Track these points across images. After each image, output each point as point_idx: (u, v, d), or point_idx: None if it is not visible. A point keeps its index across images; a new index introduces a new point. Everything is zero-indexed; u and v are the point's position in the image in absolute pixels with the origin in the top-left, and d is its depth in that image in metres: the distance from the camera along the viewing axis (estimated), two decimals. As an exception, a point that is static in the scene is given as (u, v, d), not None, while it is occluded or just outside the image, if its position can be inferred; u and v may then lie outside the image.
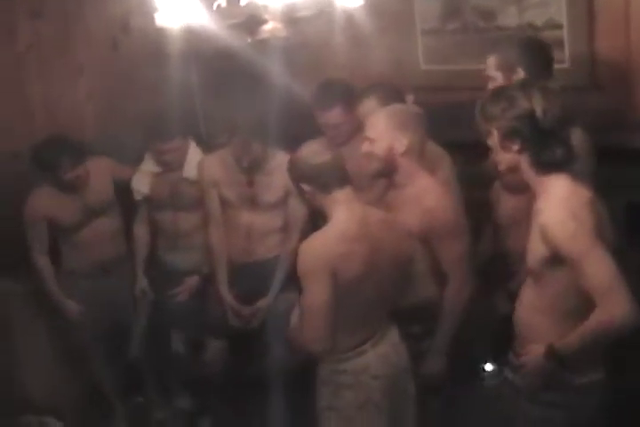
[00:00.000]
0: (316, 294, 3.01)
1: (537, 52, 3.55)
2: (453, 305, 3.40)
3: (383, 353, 3.22)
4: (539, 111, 2.66)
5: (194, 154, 4.40)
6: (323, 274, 2.99)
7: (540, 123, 2.67)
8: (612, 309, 2.54)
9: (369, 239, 3.10)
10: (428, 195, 3.36)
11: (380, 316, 3.26)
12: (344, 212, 3.12)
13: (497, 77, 3.52)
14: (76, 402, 4.35)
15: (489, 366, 3.72)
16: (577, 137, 3.05)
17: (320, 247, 3.06)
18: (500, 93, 2.79)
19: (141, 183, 4.43)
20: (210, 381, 4.40)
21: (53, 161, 4.13)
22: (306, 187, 3.18)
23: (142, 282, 4.48)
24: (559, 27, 4.01)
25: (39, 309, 4.36)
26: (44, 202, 4.28)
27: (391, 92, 3.82)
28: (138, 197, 4.45)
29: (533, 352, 2.77)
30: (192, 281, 4.43)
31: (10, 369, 4.21)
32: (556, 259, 2.65)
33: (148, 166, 4.43)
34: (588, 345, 2.66)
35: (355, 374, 3.18)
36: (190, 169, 4.35)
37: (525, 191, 2.91)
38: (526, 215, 2.84)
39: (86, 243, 4.37)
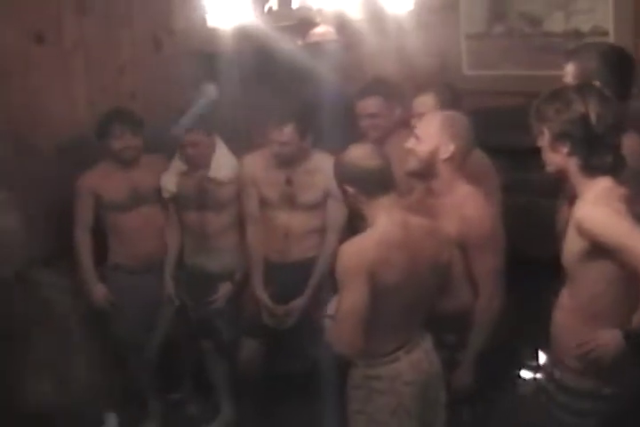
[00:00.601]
0: (352, 298, 2.98)
1: (617, 64, 3.32)
2: (483, 317, 3.37)
3: (416, 360, 3.20)
4: (593, 116, 2.66)
5: (221, 154, 4.37)
6: (360, 278, 2.96)
7: (592, 128, 2.67)
8: None
9: (409, 246, 3.08)
10: (467, 204, 3.33)
11: (414, 323, 3.24)
12: (386, 217, 3.09)
13: None
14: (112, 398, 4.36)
15: (524, 373, 3.72)
16: (629, 145, 3.02)
17: (360, 251, 3.04)
18: (556, 94, 2.78)
19: (169, 182, 4.41)
20: (245, 380, 4.41)
21: (106, 127, 4.27)
22: (350, 189, 3.15)
23: (169, 287, 4.44)
24: (605, 33, 4.00)
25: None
26: (96, 176, 4.33)
27: (450, 94, 3.84)
28: (166, 195, 4.44)
29: (600, 340, 2.73)
30: (226, 289, 4.38)
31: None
32: (592, 252, 2.65)
33: (176, 165, 4.43)
34: None
35: (388, 379, 3.16)
36: (217, 169, 4.33)
37: None
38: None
39: (132, 232, 4.37)
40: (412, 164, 3.42)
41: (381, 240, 3.05)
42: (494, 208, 3.55)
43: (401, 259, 3.04)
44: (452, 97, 3.86)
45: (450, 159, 3.34)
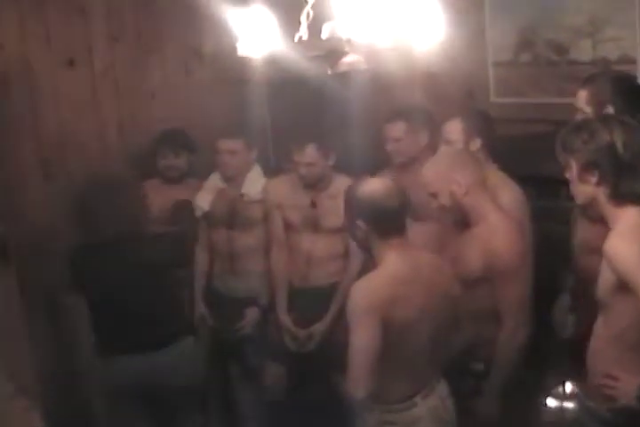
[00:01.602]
0: (365, 338, 2.91)
1: (629, 90, 3.47)
2: (506, 349, 3.36)
3: (433, 407, 3.14)
4: (619, 144, 2.68)
5: (255, 174, 4.45)
6: (372, 318, 2.90)
7: (620, 156, 2.68)
8: None
9: (420, 282, 3.04)
10: (495, 233, 3.33)
11: (430, 367, 3.18)
12: (395, 255, 3.05)
13: (586, 111, 3.43)
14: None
15: (551, 402, 3.70)
16: None
17: (371, 290, 2.99)
18: (581, 125, 2.81)
19: (203, 200, 4.48)
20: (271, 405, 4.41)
21: (155, 145, 4.51)
22: (362, 224, 3.08)
23: (201, 308, 4.47)
24: (633, 61, 3.99)
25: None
26: (148, 190, 4.41)
27: (480, 120, 3.92)
28: (199, 213, 4.49)
29: (622, 389, 2.73)
30: (253, 314, 4.41)
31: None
32: (623, 286, 2.63)
33: (213, 182, 4.50)
34: None
35: (404, 426, 3.11)
36: (250, 186, 4.40)
37: (604, 220, 2.87)
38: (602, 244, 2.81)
39: None
40: (448, 217, 3.48)
41: (392, 278, 3.01)
42: (524, 236, 3.57)
43: (413, 296, 3.00)
44: (482, 123, 3.89)
45: (470, 192, 3.36)
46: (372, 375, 2.89)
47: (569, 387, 3.65)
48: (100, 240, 3.97)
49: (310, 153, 4.09)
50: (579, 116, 3.47)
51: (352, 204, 3.13)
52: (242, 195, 4.40)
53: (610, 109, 3.39)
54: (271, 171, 4.54)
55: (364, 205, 3.07)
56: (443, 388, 3.22)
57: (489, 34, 4.45)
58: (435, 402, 3.14)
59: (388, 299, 2.94)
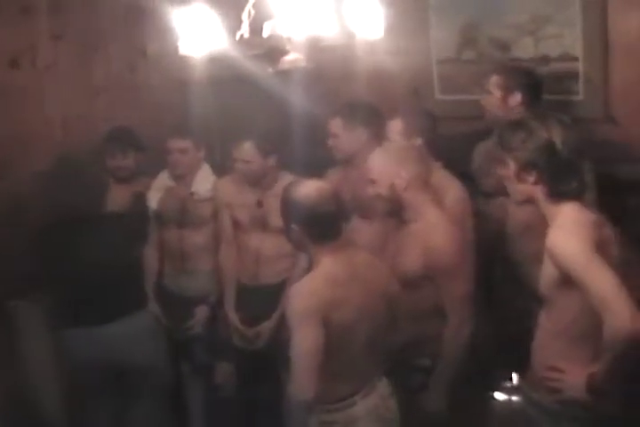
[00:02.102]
0: (306, 340, 2.89)
1: (534, 80, 3.87)
2: (451, 345, 3.37)
3: (373, 406, 3.13)
4: (558, 142, 2.71)
5: (205, 173, 4.46)
6: (312, 320, 2.88)
7: (558, 154, 2.71)
8: (616, 321, 2.52)
9: (357, 283, 3.02)
10: (434, 232, 3.34)
11: (370, 366, 3.16)
12: (330, 257, 3.03)
13: (495, 94, 3.82)
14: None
15: (499, 395, 3.73)
16: (585, 168, 3.10)
17: (309, 293, 2.97)
18: (518, 124, 2.82)
19: (153, 198, 4.47)
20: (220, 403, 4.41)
21: (104, 145, 4.42)
22: (296, 228, 3.05)
23: (154, 306, 4.43)
24: (574, 59, 4.04)
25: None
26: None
27: (423, 119, 3.95)
28: (149, 213, 4.48)
29: (568, 382, 2.75)
30: (202, 313, 4.41)
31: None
32: (565, 280, 2.67)
33: (162, 180, 4.49)
34: (616, 366, 2.63)
35: (343, 425, 3.09)
36: (199, 184, 4.40)
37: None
38: (539, 221, 2.87)
39: None
40: (381, 207, 3.46)
41: (328, 280, 2.98)
42: (465, 234, 3.60)
43: (351, 297, 2.98)
44: (424, 122, 3.92)
45: (410, 186, 3.36)
46: (317, 377, 2.86)
47: (516, 380, 3.69)
48: (63, 219, 4.02)
49: (248, 151, 4.10)
50: (483, 100, 3.87)
51: (287, 207, 3.10)
52: (192, 193, 4.40)
53: (518, 96, 3.74)
54: (219, 169, 4.53)
55: (297, 208, 3.04)
56: (384, 387, 3.20)
57: (433, 32, 4.49)
58: (375, 401, 3.13)
59: (326, 301, 2.92)
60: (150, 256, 4.48)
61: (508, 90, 3.80)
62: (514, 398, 3.64)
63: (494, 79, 3.85)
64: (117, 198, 4.34)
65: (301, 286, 3.01)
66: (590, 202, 2.99)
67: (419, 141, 3.84)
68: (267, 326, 4.19)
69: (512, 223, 3.74)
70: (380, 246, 3.51)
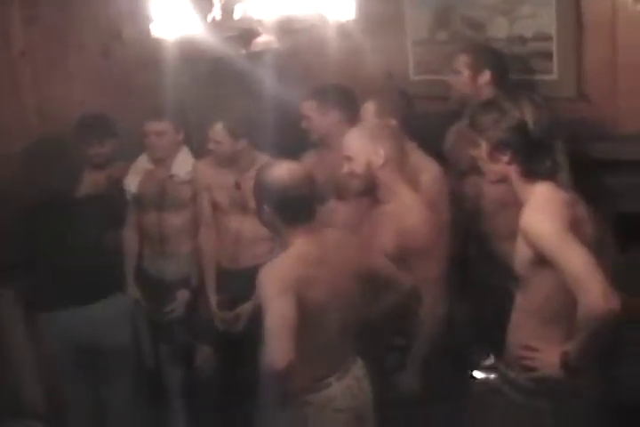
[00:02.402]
0: (280, 313, 2.83)
1: (501, 58, 3.93)
2: (426, 324, 3.40)
3: (347, 387, 3.13)
4: (530, 122, 2.70)
5: (184, 155, 4.47)
6: (284, 294, 2.85)
7: (530, 134, 2.71)
8: (590, 300, 2.53)
9: (330, 263, 3.02)
10: (407, 213, 3.35)
11: (344, 348, 3.17)
12: (302, 238, 3.03)
13: (464, 73, 3.87)
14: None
15: (478, 374, 3.76)
16: (558, 147, 3.11)
17: (280, 271, 2.96)
18: (490, 104, 2.81)
19: (131, 182, 4.48)
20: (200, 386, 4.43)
21: (79, 132, 4.40)
22: (268, 209, 3.05)
23: (134, 291, 4.44)
24: (548, 38, 4.04)
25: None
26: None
27: (399, 100, 3.95)
28: (128, 196, 4.49)
29: (543, 360, 2.77)
30: (183, 296, 4.42)
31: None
32: (540, 260, 2.68)
33: (141, 163, 4.50)
34: (590, 344, 2.65)
35: (318, 406, 3.08)
36: (179, 167, 4.41)
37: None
38: (513, 200, 2.88)
39: None
40: (356, 184, 3.46)
41: (300, 259, 2.98)
42: (441, 214, 3.62)
43: (323, 277, 2.98)
44: (398, 103, 3.93)
45: (386, 164, 3.38)
46: (292, 345, 2.79)
47: (493, 359, 3.72)
48: (41, 202, 4.04)
49: (218, 132, 4.12)
50: (452, 79, 3.91)
51: (259, 188, 3.10)
52: (171, 176, 4.41)
53: (487, 75, 3.82)
54: (197, 152, 4.53)
55: (269, 190, 3.04)
56: (358, 368, 3.21)
57: (407, 13, 4.48)
58: (349, 382, 3.14)
59: (297, 279, 2.91)
60: (129, 239, 4.50)
61: (476, 69, 3.84)
62: (491, 376, 3.67)
63: (463, 58, 3.89)
64: (92, 183, 4.34)
65: (272, 265, 3.01)
66: (564, 181, 3.00)
67: (393, 122, 3.83)
68: (245, 309, 4.20)
69: (486, 202, 3.77)
70: (356, 227, 3.53)
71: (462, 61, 3.89)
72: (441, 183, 3.79)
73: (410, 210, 3.36)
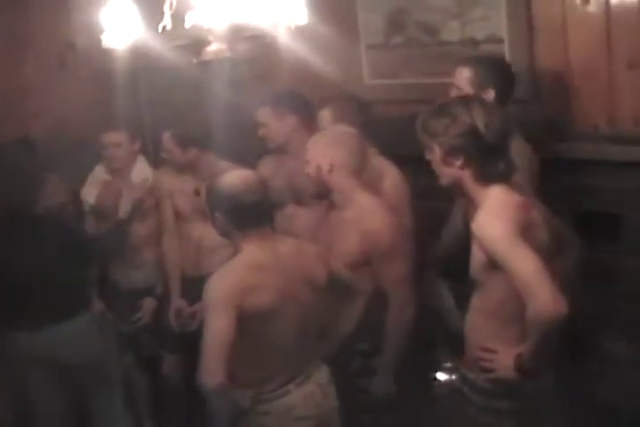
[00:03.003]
0: (217, 325, 2.87)
1: (507, 74, 3.63)
2: (395, 327, 3.42)
3: (309, 393, 3.12)
4: (481, 126, 2.69)
5: (141, 165, 4.50)
6: (225, 306, 2.88)
7: (482, 139, 2.70)
8: (539, 303, 2.56)
9: (280, 269, 3.03)
10: (367, 217, 3.37)
11: (305, 352, 3.15)
12: (254, 245, 3.05)
13: (465, 90, 3.51)
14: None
15: (440, 375, 3.78)
16: (518, 148, 3.12)
17: (225, 280, 2.98)
18: (441, 109, 2.79)
19: (89, 194, 4.47)
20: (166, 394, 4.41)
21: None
22: (220, 216, 3.08)
23: (99, 304, 4.37)
24: (500, 41, 4.07)
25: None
26: None
27: (353, 106, 3.94)
28: (86, 207, 4.47)
29: (499, 362, 2.79)
30: (149, 305, 4.43)
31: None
32: (492, 263, 2.69)
33: (98, 174, 4.50)
34: (541, 346, 2.68)
35: (278, 415, 3.07)
36: (138, 178, 4.42)
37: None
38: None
39: None
40: (309, 186, 3.52)
41: (247, 265, 3.01)
42: (402, 217, 3.63)
43: (272, 282, 2.99)
44: (354, 109, 3.92)
45: (337, 170, 3.40)
46: (223, 364, 2.82)
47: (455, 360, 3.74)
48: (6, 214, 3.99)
49: (167, 142, 4.17)
50: (454, 94, 3.53)
51: (210, 196, 3.12)
52: (130, 185, 4.41)
53: (491, 93, 3.49)
54: (153, 161, 4.54)
55: (220, 198, 3.06)
56: (322, 374, 3.20)
57: (360, 17, 4.50)
58: (311, 388, 3.12)
59: (244, 287, 2.92)
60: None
61: (479, 86, 3.51)
62: (453, 377, 3.69)
63: (464, 73, 3.57)
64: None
65: (218, 274, 3.02)
66: (520, 182, 3.01)
67: (351, 128, 3.83)
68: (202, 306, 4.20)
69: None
70: (315, 233, 3.54)
71: (463, 77, 3.56)
72: (402, 189, 3.81)
73: (370, 214, 3.38)
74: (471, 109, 2.71)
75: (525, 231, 2.66)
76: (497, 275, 2.71)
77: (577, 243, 3.15)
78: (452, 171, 2.79)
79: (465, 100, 2.81)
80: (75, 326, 4.07)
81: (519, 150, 3.14)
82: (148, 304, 4.42)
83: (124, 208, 4.36)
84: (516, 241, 2.61)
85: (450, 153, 2.76)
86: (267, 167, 4.07)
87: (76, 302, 4.13)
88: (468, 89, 3.51)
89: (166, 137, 4.14)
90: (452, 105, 2.79)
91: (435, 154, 2.81)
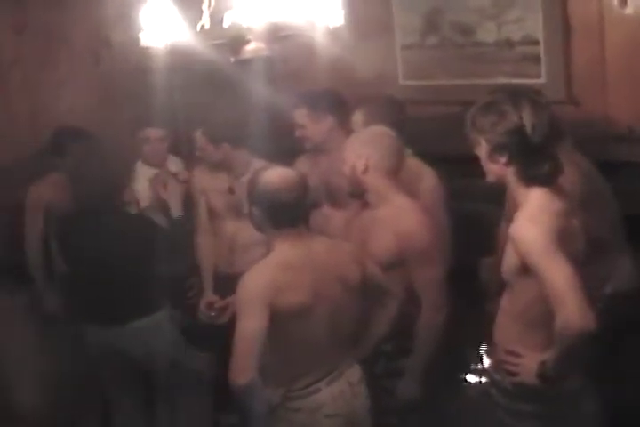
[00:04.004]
0: (247, 324, 2.88)
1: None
2: (426, 331, 3.38)
3: (338, 392, 3.11)
4: (528, 127, 2.65)
5: (173, 162, 4.57)
6: (257, 305, 2.88)
7: (528, 138, 2.66)
8: (567, 316, 2.53)
9: (312, 268, 3.03)
10: (403, 217, 3.35)
11: (337, 351, 3.14)
12: (287, 244, 3.05)
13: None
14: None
15: (470, 377, 3.77)
16: (565, 150, 3.10)
17: (258, 278, 2.98)
18: (490, 106, 2.74)
19: (142, 190, 4.46)
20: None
21: (61, 145, 4.32)
22: (256, 212, 3.09)
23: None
24: (536, 42, 4.07)
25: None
26: (48, 188, 4.39)
27: (389, 107, 3.91)
28: (144, 203, 4.46)
29: (524, 366, 2.77)
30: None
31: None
32: (525, 268, 2.67)
33: (142, 171, 4.53)
34: (566, 356, 2.66)
35: (308, 412, 3.07)
36: (174, 165, 4.52)
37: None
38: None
39: None
40: (346, 187, 3.49)
41: (279, 264, 3.01)
42: (438, 219, 3.60)
43: (304, 281, 2.99)
44: (389, 110, 3.90)
45: (371, 171, 3.38)
46: (254, 362, 2.84)
47: (486, 362, 3.73)
48: (83, 210, 3.96)
49: (199, 139, 4.16)
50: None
51: (251, 190, 3.12)
52: (172, 174, 4.47)
53: None
54: (186, 159, 4.57)
55: (259, 194, 3.07)
56: (354, 373, 3.20)
57: (396, 17, 4.50)
58: (341, 387, 3.12)
59: (276, 286, 2.93)
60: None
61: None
62: (482, 379, 3.68)
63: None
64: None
65: (251, 272, 3.02)
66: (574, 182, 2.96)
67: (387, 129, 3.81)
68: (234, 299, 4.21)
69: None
70: (349, 232, 3.54)
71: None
72: (438, 190, 3.79)
73: (405, 214, 3.36)
74: (520, 108, 2.67)
75: (562, 239, 2.63)
76: (528, 279, 2.69)
77: (624, 248, 3.11)
78: (497, 168, 2.77)
79: (516, 98, 2.74)
80: (156, 321, 4.06)
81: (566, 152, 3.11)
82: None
83: (174, 204, 4.36)
84: (552, 249, 2.59)
85: (495, 150, 2.73)
86: (302, 166, 4.06)
87: (157, 297, 4.10)
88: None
89: (198, 135, 4.14)
90: (501, 101, 2.73)
91: (482, 149, 2.78)
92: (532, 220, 2.67)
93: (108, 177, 3.91)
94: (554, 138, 2.74)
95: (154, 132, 4.44)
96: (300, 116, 4.06)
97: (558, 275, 2.57)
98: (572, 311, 2.53)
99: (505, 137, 2.69)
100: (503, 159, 2.73)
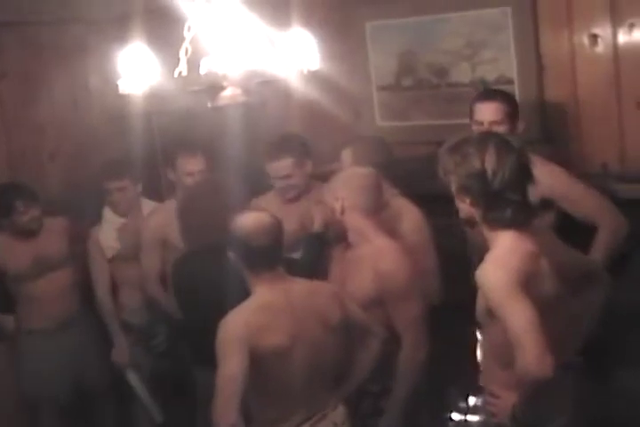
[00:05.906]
0: (228, 365, 2.89)
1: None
2: (407, 368, 3.38)
3: None
4: (489, 172, 2.62)
5: (148, 205, 4.59)
6: (237, 346, 2.90)
7: (488, 183, 2.63)
8: (524, 362, 2.53)
9: (292, 311, 3.05)
10: (381, 257, 3.36)
11: (319, 392, 3.16)
12: (265, 287, 3.07)
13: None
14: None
15: (455, 416, 3.76)
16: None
17: (237, 320, 2.99)
18: (456, 147, 2.73)
19: (109, 239, 4.51)
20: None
21: (9, 204, 4.24)
22: (232, 256, 3.11)
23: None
24: (510, 82, 4.11)
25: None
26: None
27: (370, 145, 3.94)
28: (110, 253, 4.52)
29: (500, 407, 2.78)
30: None
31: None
32: (492, 310, 2.66)
33: (110, 220, 4.55)
34: (533, 399, 2.65)
35: None
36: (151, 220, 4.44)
37: None
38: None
39: (42, 297, 4.40)
40: (320, 228, 3.54)
41: (259, 306, 3.03)
42: (423, 257, 3.63)
43: (283, 323, 3.01)
44: (375, 148, 3.93)
45: (351, 211, 3.40)
46: (236, 405, 2.84)
47: (471, 401, 3.72)
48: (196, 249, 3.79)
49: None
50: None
51: (229, 236, 3.14)
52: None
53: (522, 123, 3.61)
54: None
55: (234, 238, 3.09)
56: (339, 414, 3.21)
57: (372, 60, 4.55)
58: None
59: (255, 328, 2.95)
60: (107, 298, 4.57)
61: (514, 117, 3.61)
62: (469, 418, 3.67)
63: (495, 107, 3.61)
64: (20, 260, 4.37)
65: (231, 315, 3.02)
66: (540, 227, 2.91)
67: (371, 169, 3.70)
68: None
69: (470, 246, 3.77)
70: (332, 273, 3.55)
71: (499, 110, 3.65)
72: (423, 231, 3.79)
73: (383, 254, 3.37)
74: (484, 152, 2.64)
75: (529, 282, 2.61)
76: (496, 322, 2.67)
77: (605, 279, 3.10)
78: (465, 207, 2.76)
79: (483, 140, 2.73)
80: None
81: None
82: None
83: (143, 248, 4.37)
84: (515, 293, 2.56)
85: (459, 190, 2.73)
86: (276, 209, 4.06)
87: None
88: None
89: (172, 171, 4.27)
90: (467, 143, 2.72)
91: (453, 187, 2.77)
92: (497, 263, 2.65)
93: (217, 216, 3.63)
94: (522, 182, 2.71)
95: (114, 184, 4.44)
96: (285, 166, 4.00)
97: (518, 319, 2.54)
98: (530, 357, 2.52)
99: (467, 179, 2.67)
100: (468, 200, 2.73)
